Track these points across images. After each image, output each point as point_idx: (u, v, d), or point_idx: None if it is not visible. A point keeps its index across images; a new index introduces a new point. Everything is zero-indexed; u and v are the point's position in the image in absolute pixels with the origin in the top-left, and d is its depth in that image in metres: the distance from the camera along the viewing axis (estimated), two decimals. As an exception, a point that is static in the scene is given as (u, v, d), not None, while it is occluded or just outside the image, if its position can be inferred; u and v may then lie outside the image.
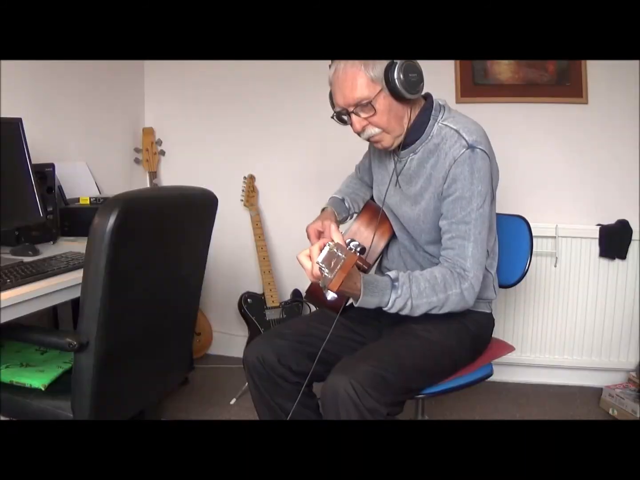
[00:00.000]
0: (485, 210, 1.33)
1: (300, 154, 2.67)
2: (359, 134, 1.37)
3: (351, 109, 1.32)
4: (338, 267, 1.07)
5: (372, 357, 1.28)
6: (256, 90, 2.68)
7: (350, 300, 1.53)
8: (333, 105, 1.39)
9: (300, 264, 1.22)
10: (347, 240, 1.14)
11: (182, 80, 2.76)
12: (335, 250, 1.10)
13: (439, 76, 2.45)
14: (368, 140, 1.40)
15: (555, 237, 2.37)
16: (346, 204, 1.68)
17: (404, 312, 1.29)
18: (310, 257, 1.20)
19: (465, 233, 1.31)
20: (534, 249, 1.67)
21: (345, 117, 1.37)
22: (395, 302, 1.26)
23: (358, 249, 1.11)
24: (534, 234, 1.70)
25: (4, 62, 1.89)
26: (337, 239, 1.16)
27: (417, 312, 1.29)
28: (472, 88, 2.43)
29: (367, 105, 1.30)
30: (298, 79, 2.61)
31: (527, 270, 1.66)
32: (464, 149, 1.30)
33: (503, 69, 2.40)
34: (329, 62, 1.37)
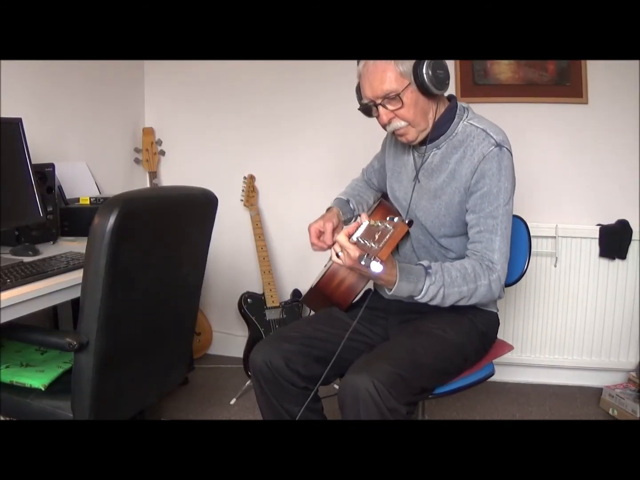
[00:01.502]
0: (510, 207, 1.37)
1: (300, 154, 2.67)
2: (384, 126, 1.40)
3: (379, 101, 1.35)
4: (387, 237, 1.04)
5: (391, 356, 1.28)
6: (256, 90, 2.68)
7: (356, 299, 1.53)
8: (360, 98, 1.41)
9: (334, 260, 1.23)
10: (388, 218, 1.11)
11: (182, 80, 2.76)
12: (378, 224, 1.07)
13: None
14: (393, 133, 1.42)
15: (555, 237, 2.37)
16: (351, 206, 1.68)
17: (435, 302, 1.30)
18: (341, 246, 1.18)
19: (493, 227, 1.34)
20: (534, 249, 1.67)
21: (372, 110, 1.39)
22: (428, 290, 1.27)
23: (406, 221, 1.08)
24: (534, 234, 1.70)
25: (4, 62, 1.89)
26: (367, 220, 1.16)
27: (447, 302, 1.31)
28: (472, 88, 2.43)
29: (395, 97, 1.33)
30: (298, 79, 2.61)
31: (526, 269, 1.66)
32: (493, 147, 1.34)
33: (503, 69, 2.40)
34: (329, 62, 1.37)
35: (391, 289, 1.24)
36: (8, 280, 1.32)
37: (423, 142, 1.42)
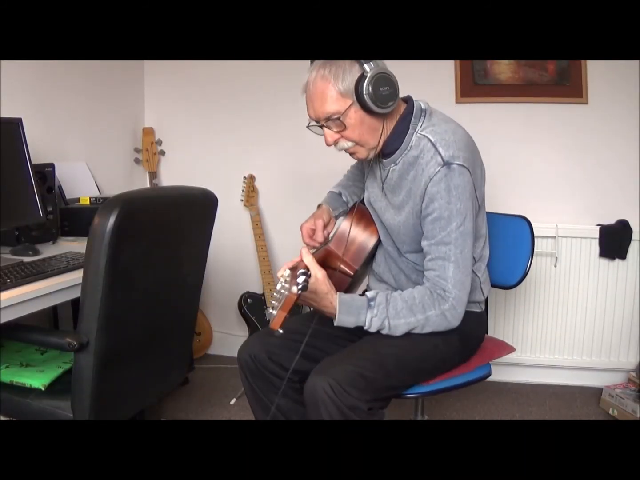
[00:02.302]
0: (467, 227, 1.30)
1: (300, 154, 2.67)
2: (331, 146, 1.35)
3: (322, 123, 1.31)
4: (280, 305, 1.06)
5: (352, 357, 1.29)
6: (256, 90, 2.68)
7: None
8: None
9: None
10: (300, 272, 1.09)
11: (182, 80, 2.76)
12: (284, 283, 1.10)
13: (439, 76, 2.45)
14: (344, 151, 1.38)
15: (555, 237, 2.37)
16: (344, 198, 1.68)
17: (384, 332, 1.30)
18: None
19: (445, 254, 1.29)
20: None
21: (318, 129, 1.35)
22: (372, 322, 1.28)
23: (300, 286, 1.07)
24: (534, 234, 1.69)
25: (4, 62, 1.89)
26: (307, 261, 1.19)
27: (398, 332, 1.30)
28: (472, 88, 2.43)
29: (337, 119, 1.28)
30: (298, 79, 2.59)
31: (528, 271, 1.65)
32: (439, 167, 1.26)
33: (503, 69, 2.40)
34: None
35: (335, 321, 1.26)
36: (8, 280, 1.32)
37: (383, 156, 1.38)
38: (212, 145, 2.77)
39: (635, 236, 2.31)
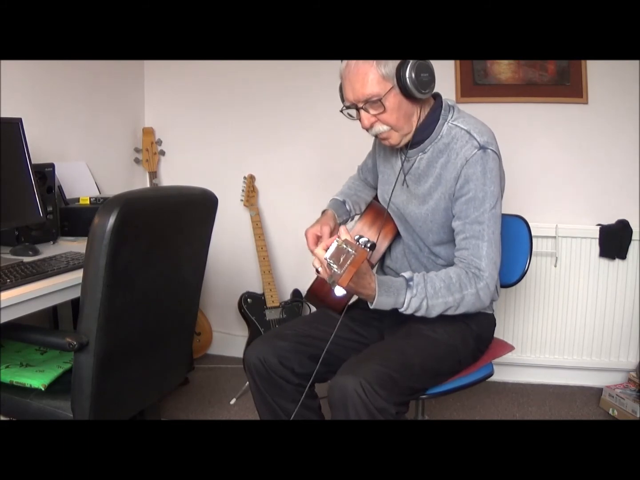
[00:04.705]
0: (498, 210, 1.34)
1: (300, 154, 2.67)
2: (367, 129, 1.37)
3: (360, 105, 1.32)
4: (348, 263, 1.05)
5: (380, 357, 1.28)
6: (256, 90, 2.68)
7: (352, 300, 1.53)
8: (343, 99, 1.38)
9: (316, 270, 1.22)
10: (356, 237, 1.11)
11: (182, 80, 2.76)
12: (344, 246, 1.08)
13: (439, 76, 2.44)
14: (376, 136, 1.40)
15: (555, 237, 2.37)
16: (347, 207, 1.67)
17: (420, 313, 1.28)
18: (319, 261, 1.18)
19: (479, 233, 1.31)
20: (534, 249, 1.67)
21: (353, 113, 1.36)
22: (411, 302, 1.26)
23: (368, 245, 1.08)
24: (534, 234, 1.70)
25: (4, 62, 1.89)
26: (345, 236, 1.15)
27: (434, 313, 1.29)
28: (472, 88, 2.43)
29: (376, 102, 1.30)
30: (298, 79, 2.61)
31: (527, 270, 1.66)
32: (476, 150, 1.31)
33: (503, 69, 2.40)
34: (329, 61, 1.37)
35: (372, 303, 1.24)
36: (8, 280, 1.32)
37: (410, 145, 1.40)
38: (212, 145, 2.77)
39: (635, 236, 2.31)
